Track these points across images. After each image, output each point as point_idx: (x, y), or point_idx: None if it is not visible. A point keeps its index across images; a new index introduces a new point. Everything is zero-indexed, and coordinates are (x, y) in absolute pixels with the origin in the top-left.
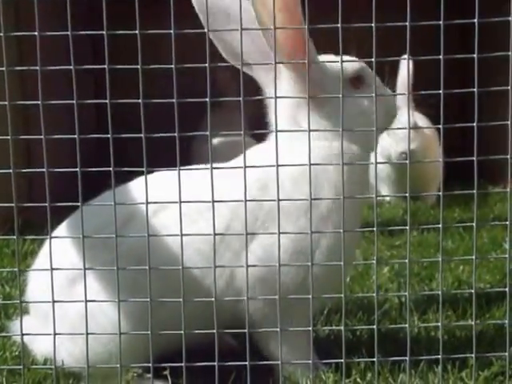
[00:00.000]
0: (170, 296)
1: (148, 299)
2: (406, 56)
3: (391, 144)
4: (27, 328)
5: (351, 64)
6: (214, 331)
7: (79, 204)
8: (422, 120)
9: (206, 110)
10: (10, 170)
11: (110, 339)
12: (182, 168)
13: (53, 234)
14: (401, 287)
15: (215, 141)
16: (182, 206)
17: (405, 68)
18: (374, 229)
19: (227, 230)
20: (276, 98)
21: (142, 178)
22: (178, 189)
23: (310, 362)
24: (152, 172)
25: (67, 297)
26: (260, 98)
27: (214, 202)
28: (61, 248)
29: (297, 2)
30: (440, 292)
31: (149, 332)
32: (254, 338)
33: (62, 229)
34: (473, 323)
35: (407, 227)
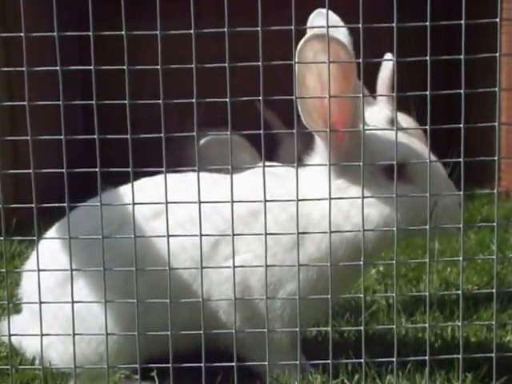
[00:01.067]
0: (161, 303)
1: (136, 301)
2: (388, 57)
3: None
4: (20, 324)
5: (390, 150)
6: (201, 332)
7: (66, 205)
8: (405, 120)
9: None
10: None
11: (99, 341)
12: (168, 170)
13: (45, 236)
14: (388, 289)
15: (204, 140)
16: (180, 213)
17: (386, 69)
18: (362, 230)
19: (216, 245)
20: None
21: (142, 181)
22: (173, 192)
23: (298, 362)
24: (139, 173)
25: (59, 298)
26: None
27: (200, 202)
28: (52, 249)
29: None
30: (427, 293)
31: (136, 333)
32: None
33: (55, 230)
34: (460, 324)
35: (394, 229)
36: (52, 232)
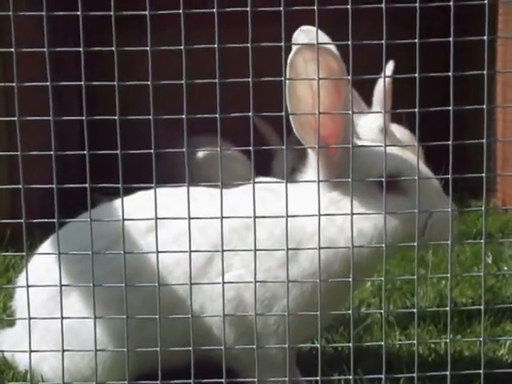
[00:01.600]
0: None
1: (126, 317)
2: (391, 66)
3: None
4: (13, 337)
5: (382, 161)
6: (190, 348)
7: (55, 220)
8: (399, 131)
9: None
10: None
11: (93, 355)
12: (159, 185)
13: (39, 248)
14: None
15: (202, 154)
16: (175, 227)
17: (381, 85)
18: (351, 246)
19: (211, 260)
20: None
21: (139, 194)
22: (167, 206)
23: (286, 379)
24: (131, 188)
25: (53, 311)
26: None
27: (190, 218)
28: (46, 262)
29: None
30: (416, 310)
31: (125, 349)
32: (233, 367)
33: (50, 243)
34: (447, 341)
35: (383, 245)
36: (47, 245)
